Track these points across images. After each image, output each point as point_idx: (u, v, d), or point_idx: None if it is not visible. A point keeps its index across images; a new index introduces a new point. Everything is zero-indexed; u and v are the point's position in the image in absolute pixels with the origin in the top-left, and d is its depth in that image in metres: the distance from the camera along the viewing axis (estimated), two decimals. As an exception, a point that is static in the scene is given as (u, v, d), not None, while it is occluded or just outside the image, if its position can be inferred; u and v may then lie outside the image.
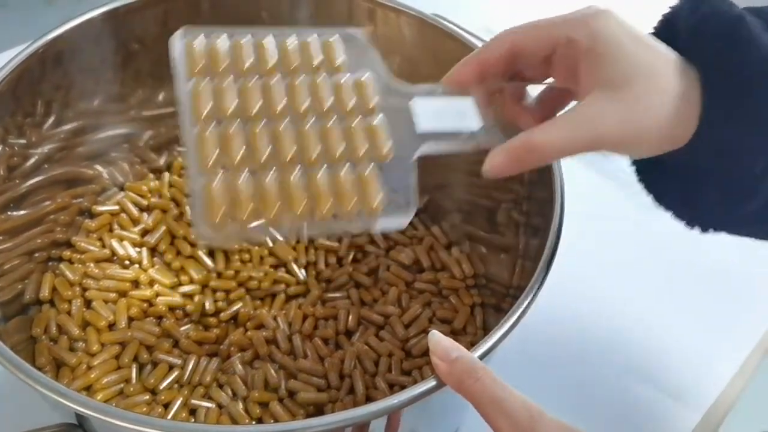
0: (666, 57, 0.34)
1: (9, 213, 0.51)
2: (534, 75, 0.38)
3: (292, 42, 0.39)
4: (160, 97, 0.61)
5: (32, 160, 0.53)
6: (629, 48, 0.33)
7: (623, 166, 0.70)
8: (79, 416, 0.39)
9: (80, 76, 0.55)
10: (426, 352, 0.53)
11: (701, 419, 0.56)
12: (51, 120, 0.54)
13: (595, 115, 0.33)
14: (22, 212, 0.53)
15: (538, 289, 0.41)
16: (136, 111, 0.60)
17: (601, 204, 0.69)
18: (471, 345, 0.38)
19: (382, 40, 0.57)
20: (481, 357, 0.37)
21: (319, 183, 0.36)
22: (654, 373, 0.58)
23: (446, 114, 0.37)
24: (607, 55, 0.33)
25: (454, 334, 0.55)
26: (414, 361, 0.53)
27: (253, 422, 0.49)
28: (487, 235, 0.58)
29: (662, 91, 0.33)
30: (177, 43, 0.38)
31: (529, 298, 0.40)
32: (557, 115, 0.36)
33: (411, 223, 0.62)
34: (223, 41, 0.38)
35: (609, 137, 0.33)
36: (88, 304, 0.54)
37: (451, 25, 0.54)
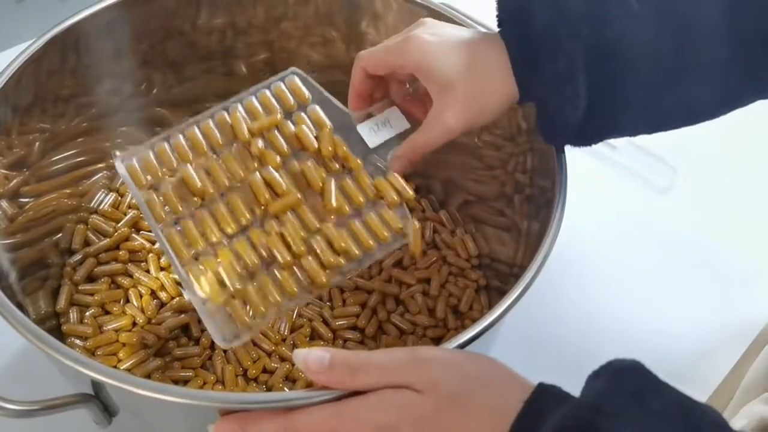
0: (474, 45, 0.44)
1: (25, 199, 0.53)
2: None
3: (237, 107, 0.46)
4: (181, 80, 0.62)
5: (56, 140, 0.55)
6: (443, 59, 0.43)
7: (626, 156, 0.71)
8: (96, 386, 0.40)
9: (101, 60, 0.56)
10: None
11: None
12: (74, 101, 0.56)
13: (440, 114, 0.44)
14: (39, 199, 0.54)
15: (540, 268, 0.42)
16: (158, 93, 0.62)
17: (604, 193, 0.70)
18: None
19: (388, 30, 0.59)
20: (485, 330, 0.39)
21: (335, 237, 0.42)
22: (655, 358, 0.58)
23: (382, 128, 0.47)
24: (430, 70, 0.43)
25: (461, 314, 0.57)
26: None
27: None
28: (491, 217, 0.59)
29: (479, 75, 0.43)
30: (119, 166, 0.45)
31: (531, 275, 0.42)
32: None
33: (420, 204, 0.64)
34: (147, 149, 0.45)
35: (456, 125, 0.44)
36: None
37: (458, 14, 0.54)
